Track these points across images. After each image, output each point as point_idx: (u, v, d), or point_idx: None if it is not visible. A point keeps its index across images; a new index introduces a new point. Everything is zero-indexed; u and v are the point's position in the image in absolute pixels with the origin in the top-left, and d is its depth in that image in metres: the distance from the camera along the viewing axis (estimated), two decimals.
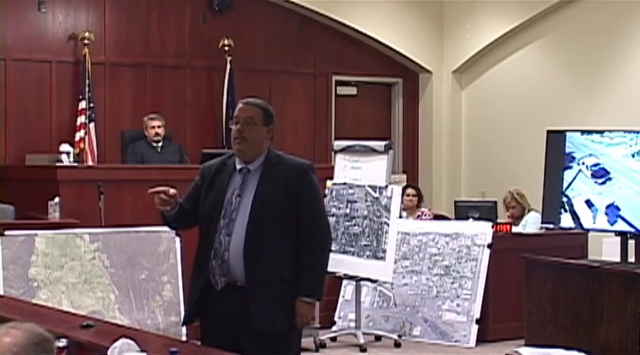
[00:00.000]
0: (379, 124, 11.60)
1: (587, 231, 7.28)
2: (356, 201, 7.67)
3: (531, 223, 8.29)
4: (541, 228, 7.96)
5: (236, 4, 10.30)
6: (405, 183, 9.04)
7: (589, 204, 6.67)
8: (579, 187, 6.73)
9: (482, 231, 7.78)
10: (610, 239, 7.23)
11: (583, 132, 6.91)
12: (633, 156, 6.45)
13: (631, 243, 6.58)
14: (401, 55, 11.32)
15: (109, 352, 3.32)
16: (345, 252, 7.64)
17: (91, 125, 9.16)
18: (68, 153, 8.31)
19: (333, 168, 8.04)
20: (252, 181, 4.02)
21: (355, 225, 7.64)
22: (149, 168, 8.24)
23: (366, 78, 11.46)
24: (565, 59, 10.37)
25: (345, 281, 8.13)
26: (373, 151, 7.70)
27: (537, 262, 6.66)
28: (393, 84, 11.70)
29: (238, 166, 4.07)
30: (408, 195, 8.74)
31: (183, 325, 4.63)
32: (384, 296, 8.02)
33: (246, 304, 3.90)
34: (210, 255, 3.99)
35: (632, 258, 6.57)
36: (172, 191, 4.00)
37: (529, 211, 8.46)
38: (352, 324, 7.79)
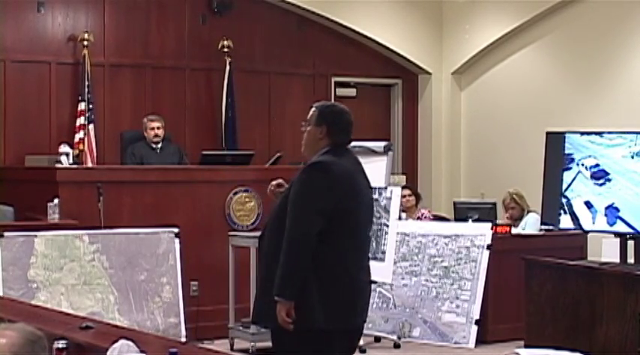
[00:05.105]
0: (378, 125, 11.58)
1: (587, 232, 7.28)
2: None
3: (531, 224, 8.29)
4: (540, 229, 7.96)
5: (235, 5, 10.29)
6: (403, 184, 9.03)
7: (588, 205, 6.68)
8: (579, 188, 6.73)
9: (481, 232, 7.78)
10: (609, 240, 7.23)
11: (582, 133, 6.92)
12: (632, 157, 6.45)
13: (630, 243, 6.59)
14: (400, 56, 11.31)
15: (108, 353, 3.32)
16: None
17: (91, 126, 9.14)
18: (67, 155, 8.29)
19: None
20: None
21: None
22: (148, 169, 8.24)
23: (365, 79, 11.44)
24: (564, 60, 10.37)
25: None
26: (372, 152, 7.69)
27: (537, 263, 6.67)
28: (393, 85, 11.69)
29: None
30: (404, 196, 8.73)
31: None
32: (383, 298, 8.02)
33: None
34: None
35: (631, 259, 6.58)
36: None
37: (528, 212, 8.46)
38: None
